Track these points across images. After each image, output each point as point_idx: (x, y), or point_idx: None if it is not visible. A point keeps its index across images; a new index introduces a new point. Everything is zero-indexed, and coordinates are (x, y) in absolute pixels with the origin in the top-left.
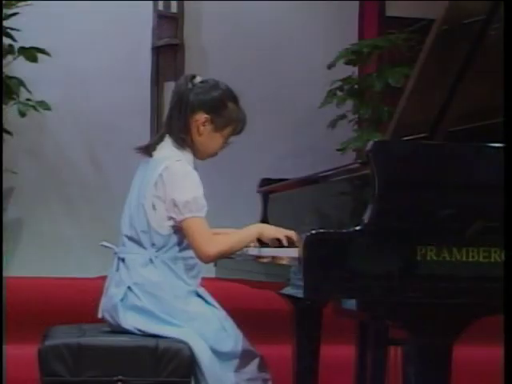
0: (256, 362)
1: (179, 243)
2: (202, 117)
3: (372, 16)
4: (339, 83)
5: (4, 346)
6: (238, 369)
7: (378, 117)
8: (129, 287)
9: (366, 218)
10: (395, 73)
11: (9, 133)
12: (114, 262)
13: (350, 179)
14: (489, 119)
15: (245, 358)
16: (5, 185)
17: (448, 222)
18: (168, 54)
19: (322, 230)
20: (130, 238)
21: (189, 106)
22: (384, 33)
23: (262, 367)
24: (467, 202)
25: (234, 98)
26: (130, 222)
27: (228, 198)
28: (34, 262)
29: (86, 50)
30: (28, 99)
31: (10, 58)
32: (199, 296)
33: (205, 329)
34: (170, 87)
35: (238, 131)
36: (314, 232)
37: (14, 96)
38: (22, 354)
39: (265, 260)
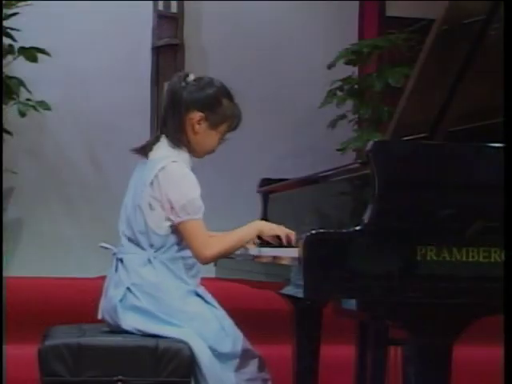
0: (256, 361)
1: (178, 243)
2: (196, 115)
3: (372, 16)
4: (339, 83)
5: (4, 346)
6: (238, 369)
7: (378, 117)
8: (128, 288)
9: (365, 218)
10: (395, 73)
11: (9, 133)
12: (113, 262)
13: (349, 179)
14: (489, 119)
15: (244, 357)
16: (5, 185)
17: (448, 221)
18: (168, 53)
19: (322, 230)
20: (128, 239)
21: (183, 104)
22: (384, 33)
23: (261, 367)
24: (467, 202)
25: (229, 95)
26: (127, 223)
27: (228, 198)
28: (34, 262)
29: (86, 50)
30: (28, 99)
31: (10, 57)
32: (198, 295)
33: (204, 329)
34: None
35: (233, 127)
36: (314, 232)
37: (14, 96)
38: (22, 354)
39: (264, 260)
